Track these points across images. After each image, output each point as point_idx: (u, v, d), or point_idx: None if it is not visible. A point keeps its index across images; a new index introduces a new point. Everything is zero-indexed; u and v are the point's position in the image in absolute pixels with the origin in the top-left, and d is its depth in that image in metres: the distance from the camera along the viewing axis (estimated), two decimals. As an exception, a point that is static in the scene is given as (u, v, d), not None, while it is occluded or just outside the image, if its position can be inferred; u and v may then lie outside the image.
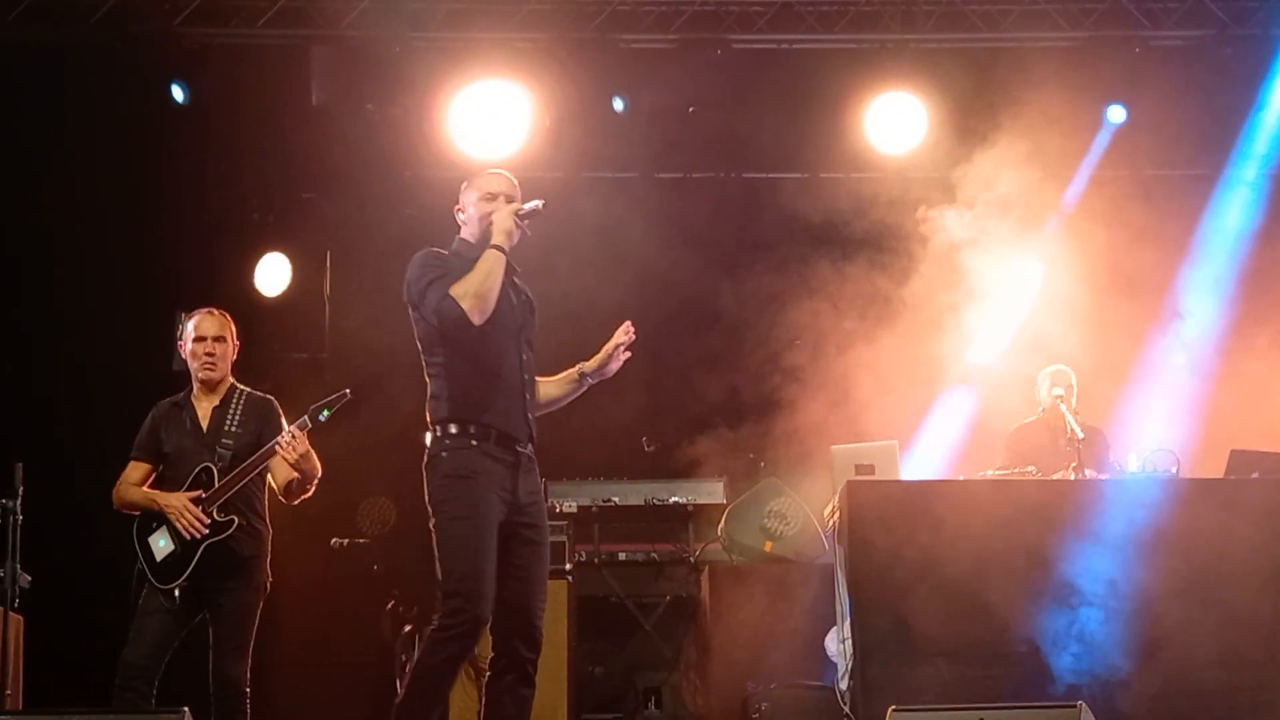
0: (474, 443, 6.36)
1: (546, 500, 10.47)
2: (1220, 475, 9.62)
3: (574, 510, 10.26)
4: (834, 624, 9.40)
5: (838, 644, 9.25)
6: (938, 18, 11.94)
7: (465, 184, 6.81)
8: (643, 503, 10.80)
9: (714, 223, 12.38)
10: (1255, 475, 9.49)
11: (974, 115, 11.80)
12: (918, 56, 11.95)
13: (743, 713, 9.52)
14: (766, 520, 10.41)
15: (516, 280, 6.74)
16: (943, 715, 6.26)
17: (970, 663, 8.78)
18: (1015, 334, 10.76)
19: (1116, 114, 11.93)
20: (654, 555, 10.98)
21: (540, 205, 6.58)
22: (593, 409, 11.73)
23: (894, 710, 6.35)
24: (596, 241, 11.90)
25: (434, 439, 6.46)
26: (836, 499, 9.44)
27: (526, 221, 6.58)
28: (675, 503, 10.76)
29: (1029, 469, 9.65)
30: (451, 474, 6.36)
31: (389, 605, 10.16)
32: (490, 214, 6.56)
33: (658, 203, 12.29)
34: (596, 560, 10.79)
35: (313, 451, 7.41)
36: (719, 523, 10.44)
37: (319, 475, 7.53)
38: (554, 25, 11.76)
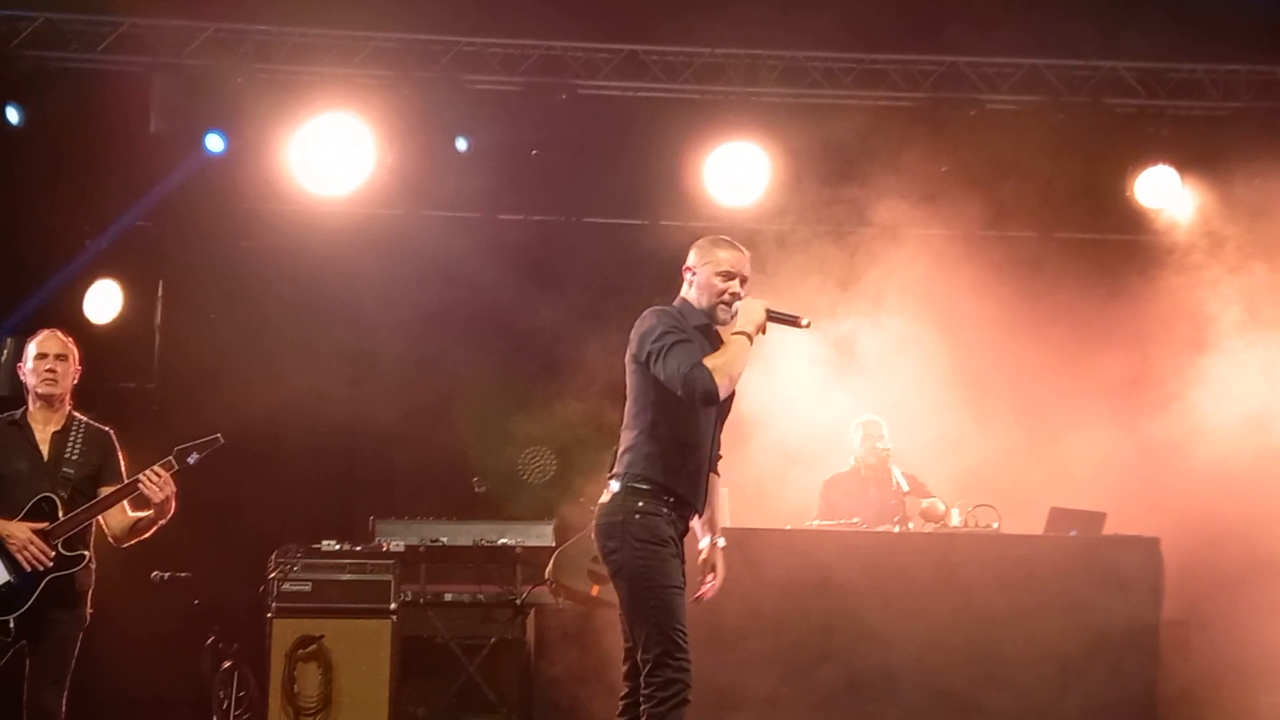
0: (664, 510, 6.34)
1: (374, 540, 10.51)
2: (1040, 531, 9.83)
3: (401, 549, 10.15)
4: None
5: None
6: (781, 72, 12.08)
7: (701, 247, 6.64)
8: (471, 544, 10.74)
9: (554, 266, 12.41)
10: (1073, 533, 9.71)
11: (814, 170, 11.98)
12: (761, 110, 12.07)
13: (563, 757, 9.53)
14: (594, 564, 10.40)
15: None
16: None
17: (796, 710, 8.91)
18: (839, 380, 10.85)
19: (950, 173, 12.10)
20: (480, 597, 10.93)
21: (805, 325, 6.51)
22: (423, 447, 11.80)
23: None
24: (437, 280, 11.89)
25: (623, 494, 6.37)
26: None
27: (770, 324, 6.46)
28: (504, 544, 10.70)
29: (854, 520, 9.77)
30: (649, 540, 6.30)
31: (209, 641, 10.01)
32: (728, 291, 6.46)
33: (499, 243, 12.29)
34: (422, 600, 10.71)
35: (175, 494, 7.28)
36: (547, 566, 10.43)
37: (167, 519, 7.39)
38: (399, 63, 11.73)
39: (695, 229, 12.32)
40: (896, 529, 9.73)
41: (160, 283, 12.13)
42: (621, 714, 6.40)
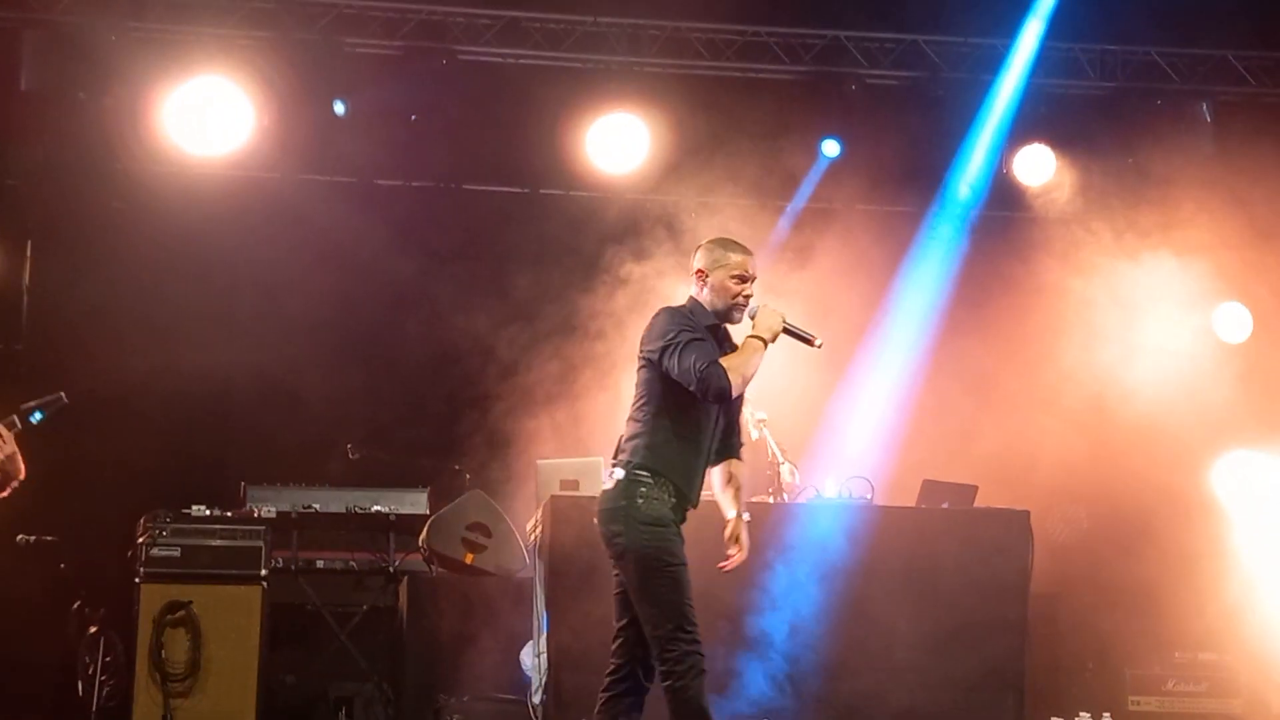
0: (666, 496, 6.56)
1: (245, 505, 10.39)
2: (912, 504, 9.88)
3: (273, 515, 10.04)
4: (531, 638, 9.41)
5: (533, 658, 9.26)
6: (663, 42, 12.06)
7: (710, 250, 6.81)
8: (344, 510, 10.64)
9: (433, 232, 12.29)
10: (945, 506, 9.78)
11: (695, 141, 11.97)
12: (642, 80, 12.04)
13: (433, 724, 9.49)
14: (468, 533, 10.37)
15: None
16: (628, 728, 6.26)
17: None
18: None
19: (831, 148, 12.16)
20: (353, 564, 10.83)
21: (818, 345, 6.85)
22: (297, 413, 11.67)
23: (583, 723, 6.36)
24: (313, 244, 11.76)
25: (627, 482, 6.59)
26: (540, 513, 9.46)
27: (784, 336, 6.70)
28: (377, 511, 10.61)
29: (729, 490, 9.76)
30: (652, 522, 6.53)
31: (75, 606, 9.86)
32: (739, 295, 6.69)
33: (377, 209, 12.17)
34: (294, 567, 10.59)
35: (19, 453, 7.11)
36: (420, 533, 10.36)
37: (20, 479, 7.22)
38: (277, 24, 11.57)
39: (575, 198, 12.39)
40: (771, 499, 9.73)
41: (29, 243, 11.89)
42: (607, 689, 6.58)
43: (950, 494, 9.83)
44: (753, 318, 6.68)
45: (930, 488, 9.86)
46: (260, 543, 9.71)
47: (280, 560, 10.36)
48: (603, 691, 6.59)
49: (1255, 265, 11.68)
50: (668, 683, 6.38)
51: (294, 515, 10.50)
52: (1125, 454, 11.54)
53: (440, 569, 10.33)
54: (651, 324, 6.67)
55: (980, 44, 12.24)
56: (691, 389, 6.45)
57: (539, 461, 9.83)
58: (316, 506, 10.63)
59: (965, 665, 9.24)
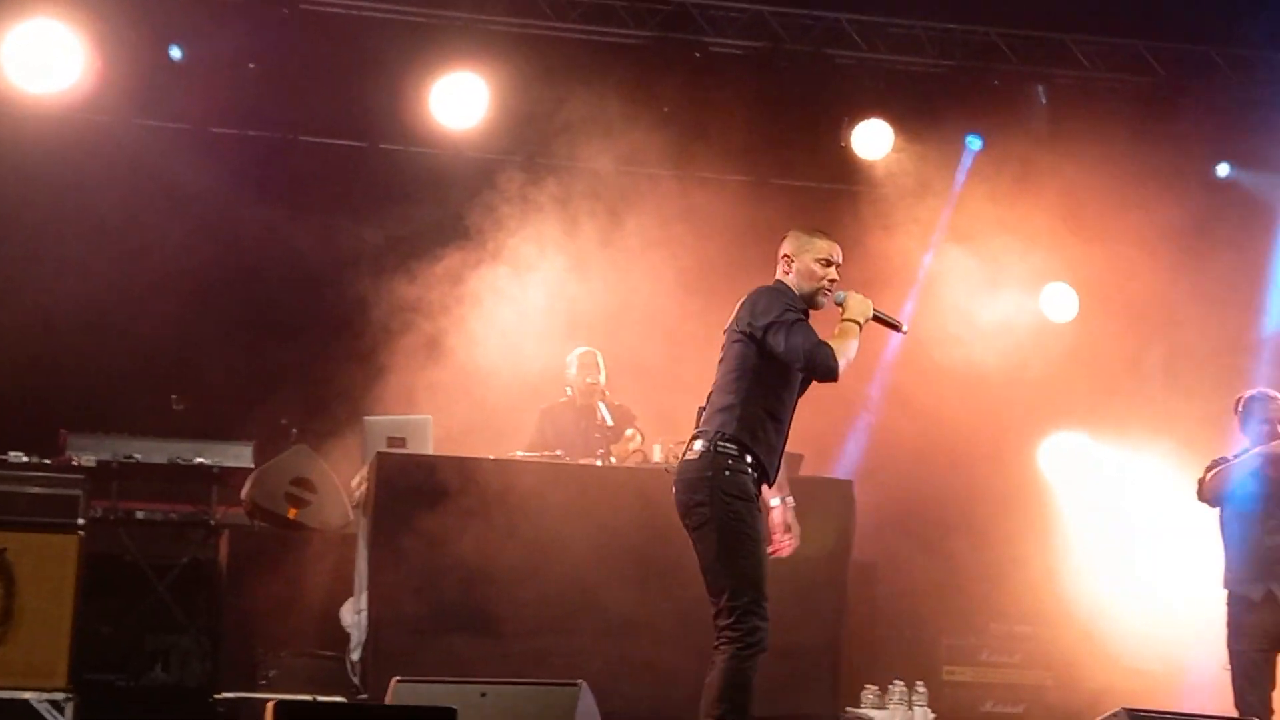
0: (749, 470, 6.67)
1: (64, 453, 10.20)
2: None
3: (92, 464, 9.86)
4: (352, 595, 9.37)
5: (354, 615, 9.21)
6: (508, 1, 11.98)
7: (797, 236, 6.97)
8: (166, 461, 10.48)
9: (270, 183, 12.11)
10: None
11: (538, 102, 11.92)
12: (487, 38, 11.96)
13: (250, 679, 9.39)
14: (292, 487, 10.27)
15: None
16: (446, 688, 6.24)
17: (486, 639, 8.91)
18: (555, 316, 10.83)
19: (670, 114, 12.16)
20: (174, 516, 10.70)
21: (904, 331, 7.06)
22: (120, 361, 11.47)
23: (398, 681, 6.32)
24: (144, 189, 11.55)
25: (713, 453, 6.68)
26: (365, 470, 9.41)
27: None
28: (200, 463, 10.46)
29: (556, 452, 9.77)
30: (737, 494, 6.64)
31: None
32: (824, 280, 6.85)
33: (213, 157, 11.96)
34: (113, 517, 10.42)
35: None
36: (243, 487, 10.25)
37: None
38: (113, -34, 11.34)
39: (414, 154, 12.30)
40: (599, 463, 9.75)
41: None
42: None
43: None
44: (839, 304, 6.83)
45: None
46: (78, 491, 9.48)
47: (99, 510, 10.18)
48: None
49: (1083, 247, 11.89)
50: (730, 651, 6.62)
51: (114, 465, 10.31)
52: (953, 429, 11.71)
53: (262, 523, 10.23)
54: (754, 301, 6.80)
55: (824, 17, 12.31)
56: (798, 367, 6.64)
57: (366, 418, 9.78)
58: (138, 456, 10.44)
59: (786, 631, 9.21)
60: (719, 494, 6.64)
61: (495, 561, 9.00)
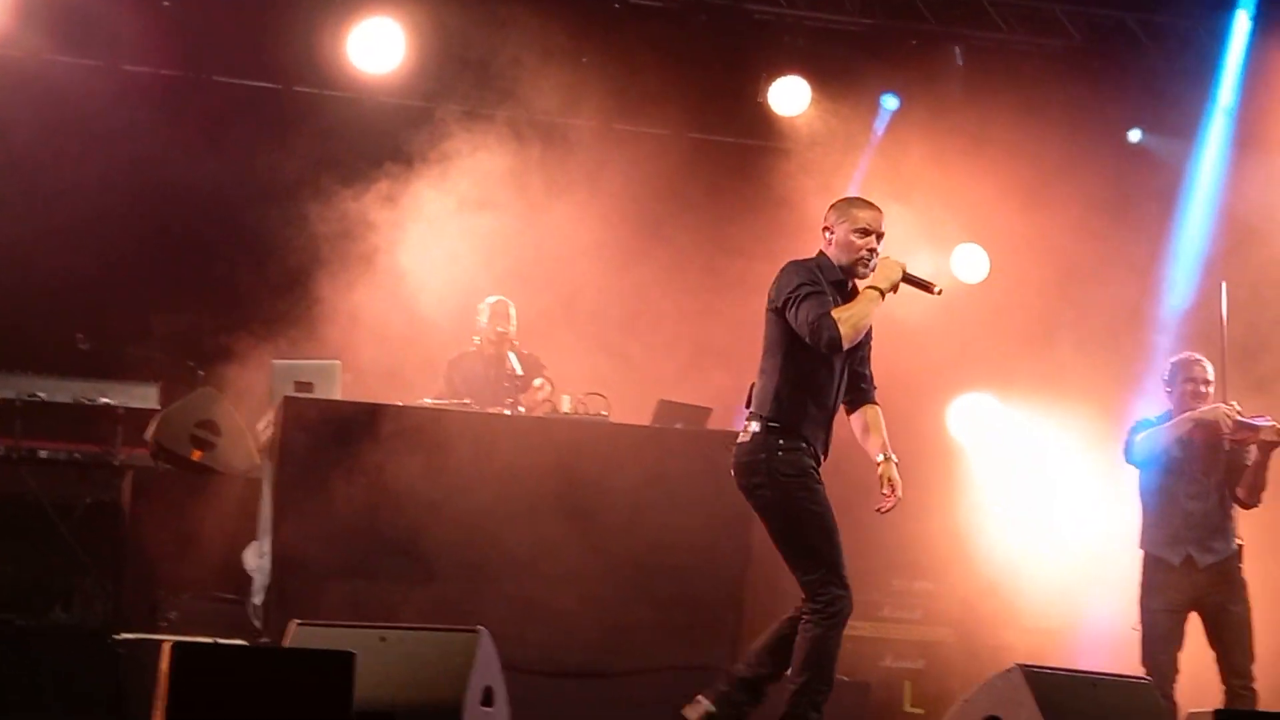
0: (802, 445, 6.77)
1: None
2: (647, 423, 9.96)
3: (-5, 403, 9.83)
4: (255, 539, 9.33)
5: (257, 559, 9.19)
6: (429, -51, 11.91)
7: (838, 207, 7.02)
8: (71, 401, 10.40)
9: (182, 121, 11.94)
10: (678, 426, 9.88)
11: (456, 51, 11.84)
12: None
13: (151, 621, 9.34)
14: (197, 429, 10.20)
15: None
16: (345, 632, 6.21)
17: (391, 583, 8.90)
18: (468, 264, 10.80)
19: (589, 64, 12.11)
20: (77, 456, 10.61)
21: (938, 292, 6.96)
22: (24, 298, 11.33)
23: (297, 624, 6.29)
24: (57, 126, 11.40)
25: (761, 434, 6.82)
26: (272, 414, 9.36)
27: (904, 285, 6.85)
28: (105, 404, 10.40)
29: (465, 400, 9.76)
30: (795, 473, 6.75)
31: None
32: (862, 248, 6.84)
33: (125, 94, 11.79)
34: (15, 457, 10.33)
35: None
36: (148, 428, 10.17)
37: None
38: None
39: (330, 97, 12.18)
40: (508, 412, 9.75)
41: None
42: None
43: (684, 415, 9.94)
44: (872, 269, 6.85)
45: (665, 408, 9.96)
46: (-22, 430, 9.44)
47: (1, 448, 10.09)
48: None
49: (994, 208, 11.94)
50: (812, 623, 6.74)
51: (18, 403, 10.25)
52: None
53: (166, 465, 10.16)
54: (778, 277, 6.87)
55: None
56: (807, 340, 6.65)
57: (274, 361, 9.73)
58: (42, 395, 10.38)
59: (690, 582, 9.38)
60: (776, 475, 6.78)
61: (401, 508, 8.99)
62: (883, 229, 6.95)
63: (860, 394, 7.11)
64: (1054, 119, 11.91)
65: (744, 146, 12.87)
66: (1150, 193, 12.50)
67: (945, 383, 12.52)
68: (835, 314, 6.64)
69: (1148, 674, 8.08)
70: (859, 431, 7.14)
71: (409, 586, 8.89)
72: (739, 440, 6.95)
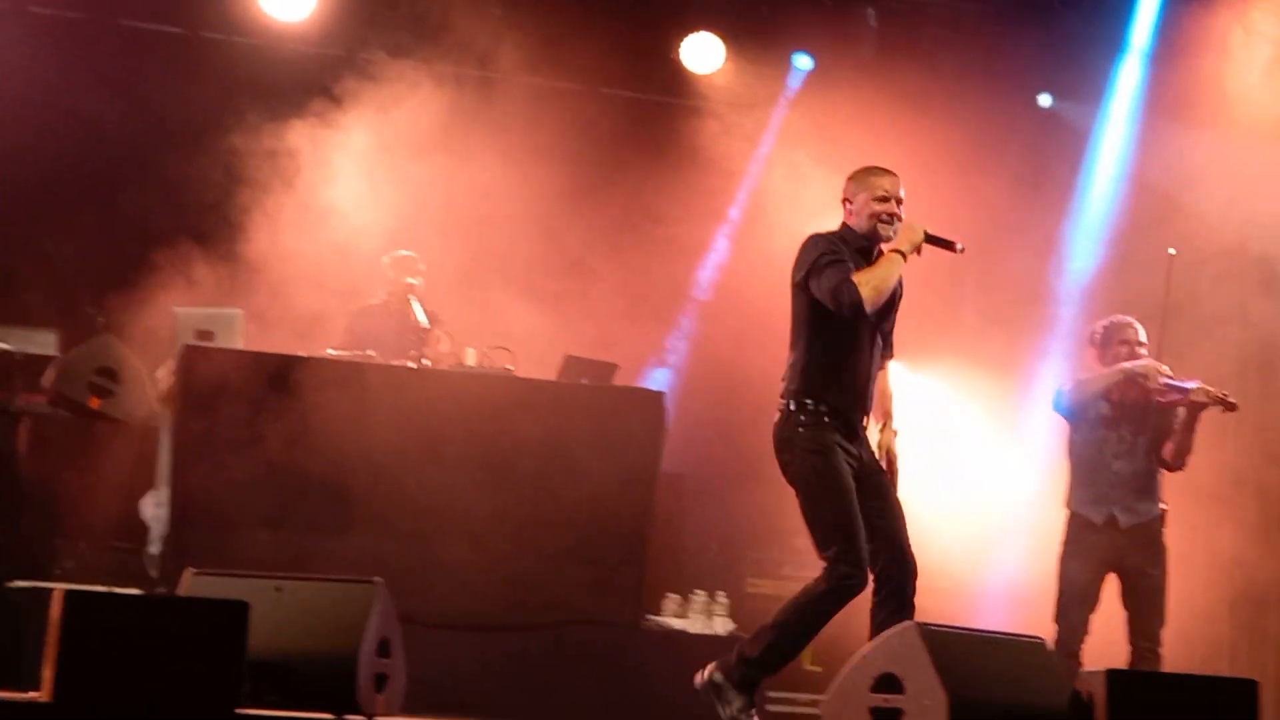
0: (826, 419, 6.78)
1: None
2: (553, 378, 9.93)
3: (-115, 348, 9.64)
4: (153, 488, 9.25)
5: (154, 509, 9.11)
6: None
7: (854, 177, 7.09)
8: (-35, 347, 10.26)
9: (86, 65, 11.75)
10: (584, 381, 9.87)
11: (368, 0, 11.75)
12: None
13: (46, 569, 9.24)
14: (96, 377, 10.08)
15: None
16: (240, 582, 6.16)
17: (290, 534, 8.86)
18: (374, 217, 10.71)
19: (501, 17, 12.01)
20: (-28, 402, 10.47)
21: (960, 249, 6.97)
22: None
23: (192, 574, 6.24)
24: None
25: (788, 411, 6.87)
26: (172, 363, 9.27)
27: (927, 245, 6.90)
28: (2, 349, 10.22)
29: (369, 352, 9.69)
30: (816, 448, 6.78)
31: None
32: (881, 212, 6.92)
33: (30, 36, 11.57)
34: (-91, 402, 10.19)
35: None
36: (46, 374, 10.04)
37: None
38: None
39: (238, 44, 12.01)
40: (413, 365, 9.69)
41: None
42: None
43: (590, 370, 9.93)
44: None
45: (571, 363, 9.94)
46: None
47: (-112, 396, 9.94)
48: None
49: (904, 172, 11.86)
50: (814, 591, 6.86)
51: (-89, 348, 10.08)
52: (772, 348, 11.72)
53: (64, 412, 10.04)
54: (799, 252, 6.91)
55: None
56: (831, 307, 6.69)
57: (175, 309, 9.62)
58: (-65, 341, 10.22)
59: (592, 538, 9.39)
60: (800, 450, 6.83)
61: (301, 459, 8.94)
62: (901, 194, 7.03)
63: (883, 356, 7.11)
64: (965, 82, 11.92)
65: (656, 103, 12.82)
66: (1060, 159, 12.56)
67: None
68: (856, 277, 6.70)
69: (1059, 631, 8.19)
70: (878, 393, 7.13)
71: (307, 538, 8.85)
72: (774, 421, 7.01)
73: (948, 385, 12.12)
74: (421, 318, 9.99)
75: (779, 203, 11.89)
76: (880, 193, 6.99)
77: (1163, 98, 11.95)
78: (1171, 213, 11.37)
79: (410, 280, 10.26)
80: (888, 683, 5.89)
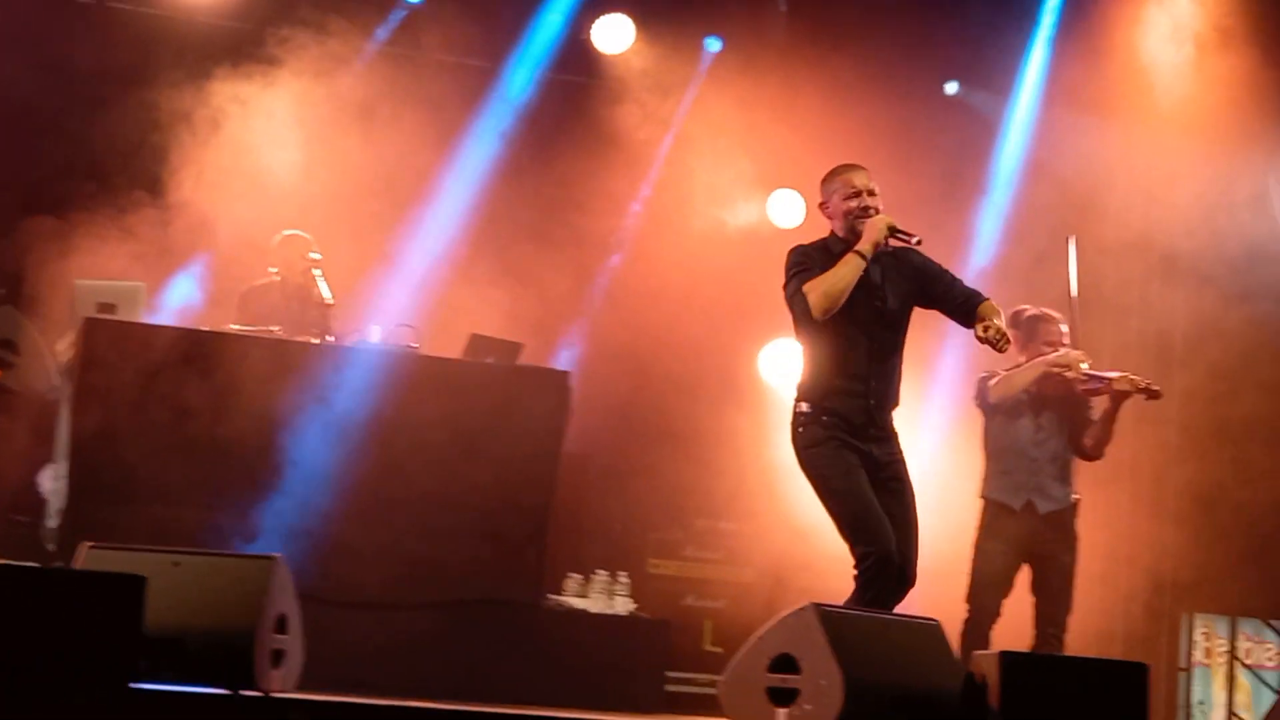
0: (824, 419, 6.93)
1: None
2: (458, 356, 9.91)
3: None
4: (52, 461, 9.16)
5: (53, 482, 9.02)
6: None
7: (824, 181, 7.16)
8: None
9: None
10: (490, 360, 9.84)
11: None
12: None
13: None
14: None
15: (884, 263, 7.01)
16: (137, 556, 6.11)
17: (188, 509, 8.79)
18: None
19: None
20: None
21: (916, 241, 6.96)
22: None
23: (89, 547, 6.18)
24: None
25: (792, 416, 7.05)
26: (73, 335, 9.18)
27: (893, 240, 6.94)
28: (-103, 320, 10.15)
29: (272, 328, 9.63)
30: (810, 444, 6.95)
31: None
32: (854, 208, 6.97)
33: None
34: None
35: None
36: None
37: None
38: None
39: (144, 14, 11.85)
40: (315, 340, 9.63)
41: None
42: None
43: (495, 349, 9.89)
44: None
45: (477, 342, 9.90)
46: None
47: None
48: None
49: (810, 153, 11.98)
50: (858, 585, 6.86)
51: None
52: (678, 329, 11.78)
53: (-36, 382, 9.95)
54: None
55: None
56: (799, 320, 6.94)
57: (76, 281, 9.51)
58: None
59: (494, 518, 9.38)
60: (801, 450, 7.00)
61: (202, 434, 8.88)
62: (871, 185, 7.04)
63: (970, 305, 7.07)
64: (874, 67, 11.98)
65: (565, 82, 12.77)
66: (966, 147, 12.64)
67: (759, 326, 12.57)
68: (806, 286, 6.82)
69: (970, 612, 8.29)
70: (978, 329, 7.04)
71: (207, 513, 8.77)
72: None
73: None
74: (326, 294, 9.91)
75: (689, 184, 11.94)
76: (849, 190, 7.04)
77: (1071, 88, 12.06)
78: (1077, 203, 11.49)
79: (312, 255, 10.17)
80: (784, 663, 5.94)
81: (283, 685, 6.01)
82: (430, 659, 8.84)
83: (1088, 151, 11.99)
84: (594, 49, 12.54)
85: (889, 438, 7.07)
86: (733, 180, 12.19)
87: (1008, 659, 6.04)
